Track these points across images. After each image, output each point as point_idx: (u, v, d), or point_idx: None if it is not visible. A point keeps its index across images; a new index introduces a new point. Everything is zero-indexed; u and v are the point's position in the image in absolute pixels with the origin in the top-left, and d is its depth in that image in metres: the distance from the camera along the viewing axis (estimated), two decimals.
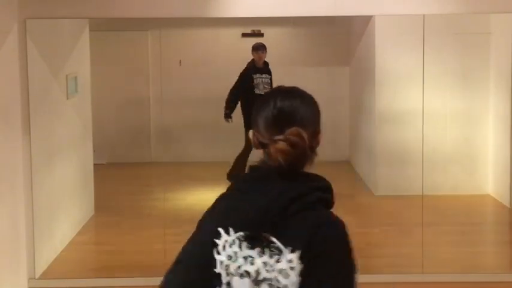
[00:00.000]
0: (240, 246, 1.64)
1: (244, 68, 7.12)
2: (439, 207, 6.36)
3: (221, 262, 1.67)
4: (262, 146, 1.67)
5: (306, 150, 1.63)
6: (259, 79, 7.07)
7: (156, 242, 5.60)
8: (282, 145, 1.60)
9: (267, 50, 7.26)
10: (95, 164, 6.71)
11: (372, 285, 4.77)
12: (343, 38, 7.88)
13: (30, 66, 4.99)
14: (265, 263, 1.60)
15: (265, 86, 7.09)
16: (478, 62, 7.05)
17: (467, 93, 7.10)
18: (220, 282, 1.67)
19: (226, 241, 1.66)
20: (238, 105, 7.20)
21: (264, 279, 1.61)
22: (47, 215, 5.39)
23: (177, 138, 7.77)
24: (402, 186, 6.57)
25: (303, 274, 1.56)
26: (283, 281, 1.58)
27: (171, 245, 5.53)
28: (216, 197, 1.81)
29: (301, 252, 1.56)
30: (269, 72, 7.11)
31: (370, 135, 7.32)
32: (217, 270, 1.67)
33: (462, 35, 6.90)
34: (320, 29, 7.55)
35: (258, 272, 1.61)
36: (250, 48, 7.22)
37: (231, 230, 1.66)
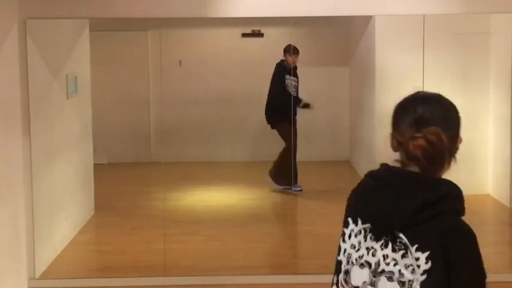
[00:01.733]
0: (364, 237, 1.72)
1: (274, 69, 7.09)
2: None
3: (344, 250, 1.76)
4: (400, 145, 1.72)
5: (443, 151, 1.68)
6: (289, 80, 7.06)
7: (156, 242, 5.61)
8: (421, 142, 1.66)
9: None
10: (95, 164, 6.71)
11: None
12: (343, 38, 7.88)
13: (30, 66, 5.00)
14: (385, 256, 1.67)
15: (294, 88, 7.08)
16: (478, 62, 7.05)
17: (467, 93, 7.09)
18: (339, 269, 1.79)
19: (352, 230, 1.74)
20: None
21: (383, 271, 1.67)
22: (47, 215, 5.39)
23: (177, 138, 7.77)
24: None
25: (428, 273, 1.62)
26: (408, 275, 1.64)
27: (171, 245, 5.54)
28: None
29: (430, 253, 1.62)
30: (296, 75, 7.12)
31: (370, 135, 7.32)
32: (340, 257, 1.79)
33: (462, 35, 6.90)
34: (320, 29, 7.55)
35: (378, 264, 1.68)
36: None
37: (359, 221, 1.73)
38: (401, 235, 1.65)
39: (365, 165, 7.50)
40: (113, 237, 6.14)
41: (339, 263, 1.79)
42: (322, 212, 7.11)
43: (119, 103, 7.89)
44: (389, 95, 7.10)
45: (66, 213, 5.95)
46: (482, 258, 1.69)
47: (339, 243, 1.80)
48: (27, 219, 5.03)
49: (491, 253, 5.57)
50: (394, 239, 1.66)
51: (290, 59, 7.03)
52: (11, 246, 4.79)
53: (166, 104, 7.69)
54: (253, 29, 7.71)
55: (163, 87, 7.43)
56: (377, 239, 1.69)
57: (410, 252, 1.63)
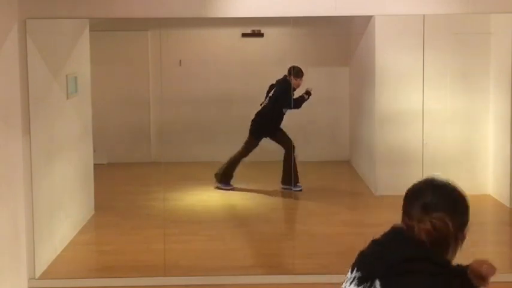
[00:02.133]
0: (351, 283, 1.82)
1: (281, 87, 7.07)
2: None
3: None
4: (408, 228, 1.82)
5: (448, 237, 1.77)
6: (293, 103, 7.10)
7: (156, 242, 5.61)
8: (427, 225, 1.76)
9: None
10: (95, 164, 6.71)
11: None
12: (343, 38, 7.88)
13: (30, 66, 5.00)
14: None
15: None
16: (478, 62, 7.05)
17: (467, 93, 7.09)
18: None
19: (349, 278, 1.85)
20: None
21: None
22: (47, 215, 5.39)
23: (177, 138, 7.77)
24: (402, 186, 6.54)
25: None
26: None
27: (171, 245, 5.54)
28: None
29: None
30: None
31: (370, 135, 7.32)
32: None
33: (462, 35, 6.90)
34: (320, 29, 7.55)
35: None
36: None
37: (355, 270, 1.85)
38: (377, 282, 1.75)
39: (365, 165, 7.50)
40: (113, 237, 6.14)
41: None
42: (322, 212, 7.11)
43: (119, 103, 7.89)
44: (389, 95, 7.10)
45: (66, 213, 5.94)
46: None
47: None
48: (27, 219, 5.03)
49: (491, 253, 5.57)
50: (371, 287, 1.76)
51: (295, 82, 6.98)
52: (11, 246, 4.79)
53: (166, 104, 7.69)
54: (253, 29, 7.71)
55: (163, 87, 7.43)
56: (358, 285, 1.79)
57: None
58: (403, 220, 1.85)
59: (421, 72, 5.59)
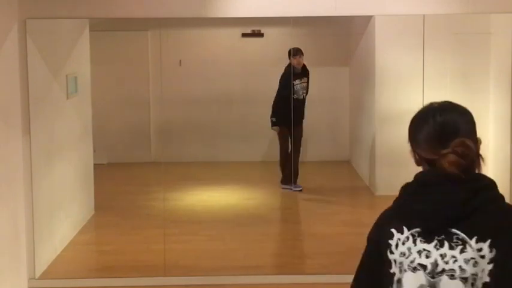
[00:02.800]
0: (414, 242, 1.70)
1: (282, 73, 7.08)
2: None
3: (395, 261, 1.72)
4: (426, 161, 1.74)
5: (474, 158, 1.69)
6: (298, 85, 7.06)
7: (156, 242, 5.60)
8: (452, 157, 1.66)
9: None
10: (95, 164, 6.71)
11: None
12: (343, 38, 7.88)
13: (30, 66, 5.00)
14: (442, 255, 1.66)
15: (303, 90, 7.09)
16: (478, 62, 7.05)
17: (467, 93, 7.09)
18: (391, 281, 1.74)
19: (398, 239, 1.72)
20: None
21: (443, 271, 1.66)
22: (47, 215, 5.39)
23: (177, 138, 7.77)
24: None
25: (494, 260, 1.63)
26: (470, 270, 1.64)
27: (171, 245, 5.54)
28: (382, 212, 1.87)
29: (491, 241, 1.63)
30: (306, 75, 7.12)
31: (370, 135, 7.32)
32: (392, 270, 1.74)
33: (462, 35, 6.90)
34: (320, 29, 7.55)
35: (435, 264, 1.66)
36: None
37: (405, 228, 1.72)
38: (456, 231, 1.66)
39: (365, 165, 7.50)
40: (113, 237, 6.14)
41: (392, 275, 1.74)
42: (322, 212, 7.11)
43: (119, 103, 7.89)
44: (389, 95, 7.11)
45: (66, 213, 5.94)
46: None
47: (384, 257, 1.76)
48: (27, 219, 5.03)
49: None
50: (450, 237, 1.66)
51: (294, 61, 7.02)
52: (11, 246, 4.79)
53: (166, 104, 7.69)
54: (253, 29, 7.71)
55: (163, 87, 7.43)
56: (429, 241, 1.69)
57: (470, 246, 1.64)
58: (415, 153, 1.78)
59: (421, 72, 5.59)
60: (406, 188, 1.79)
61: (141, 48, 7.81)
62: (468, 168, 1.68)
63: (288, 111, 6.81)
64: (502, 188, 6.41)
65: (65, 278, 5.19)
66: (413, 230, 1.70)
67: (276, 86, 7.09)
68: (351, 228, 6.29)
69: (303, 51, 7.09)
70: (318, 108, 7.55)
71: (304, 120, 7.18)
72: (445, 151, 1.67)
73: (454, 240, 1.66)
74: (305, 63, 7.18)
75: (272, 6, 5.02)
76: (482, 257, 1.63)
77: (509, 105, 6.60)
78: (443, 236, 1.67)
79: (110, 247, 5.93)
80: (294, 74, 7.02)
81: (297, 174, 7.01)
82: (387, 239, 1.74)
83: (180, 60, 7.85)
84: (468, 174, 1.68)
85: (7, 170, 4.74)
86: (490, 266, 1.63)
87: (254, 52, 7.84)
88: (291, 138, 7.08)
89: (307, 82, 7.15)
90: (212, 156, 7.80)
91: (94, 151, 6.75)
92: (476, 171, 1.72)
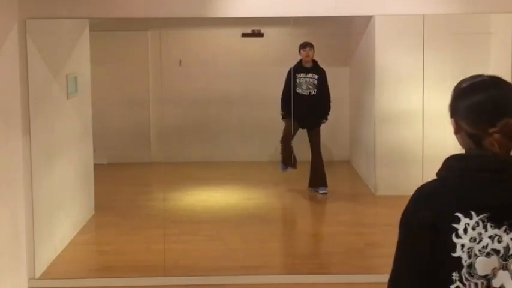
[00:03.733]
0: (484, 227, 1.71)
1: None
2: None
3: (462, 245, 1.72)
4: (467, 135, 1.75)
5: None
6: (302, 79, 6.99)
7: (156, 242, 5.61)
8: (498, 137, 1.66)
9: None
10: (95, 164, 6.71)
11: (372, 285, 4.78)
12: (343, 38, 7.88)
13: (30, 66, 5.00)
14: None
15: (310, 86, 7.02)
16: (478, 62, 7.04)
17: None
18: (460, 266, 1.73)
19: (467, 224, 1.72)
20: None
21: None
22: (47, 215, 5.39)
23: (177, 138, 7.77)
24: (402, 186, 6.54)
25: None
26: None
27: (171, 245, 5.54)
28: (418, 190, 1.85)
29: None
30: (317, 72, 7.02)
31: (370, 135, 7.32)
32: (457, 254, 1.73)
33: (462, 35, 6.90)
34: (320, 29, 7.55)
35: (507, 248, 1.71)
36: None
37: (473, 213, 1.72)
38: None
39: (365, 165, 7.50)
40: (113, 237, 6.14)
41: (457, 259, 1.73)
42: (322, 212, 7.12)
43: (119, 103, 7.89)
44: (389, 95, 7.11)
45: (66, 213, 5.94)
46: None
47: (448, 240, 1.74)
48: (27, 219, 5.03)
49: None
50: None
51: (304, 53, 6.94)
52: (11, 246, 4.79)
53: (166, 104, 7.69)
54: (253, 29, 7.71)
55: (163, 87, 7.43)
56: (499, 226, 1.71)
57: None
58: (458, 124, 1.79)
59: (421, 72, 5.59)
60: (456, 168, 1.77)
61: (141, 48, 7.81)
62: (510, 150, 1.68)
63: (289, 105, 6.79)
64: None
65: (65, 278, 5.19)
66: (482, 216, 1.71)
67: (276, 85, 7.09)
68: (351, 228, 6.29)
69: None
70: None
71: (323, 122, 7.11)
72: (492, 130, 1.67)
73: None
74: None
75: (272, 6, 5.02)
76: None
77: None
78: (511, 221, 1.71)
79: (110, 247, 5.93)
80: (301, 68, 6.98)
81: (321, 178, 7.02)
82: (451, 222, 1.73)
83: (180, 60, 7.85)
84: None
85: (7, 170, 4.74)
86: None
87: (254, 52, 7.84)
88: (295, 130, 7.00)
89: (318, 80, 7.02)
90: (212, 156, 7.80)
91: (94, 151, 6.74)
92: None
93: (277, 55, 7.37)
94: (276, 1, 5.03)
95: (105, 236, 6.26)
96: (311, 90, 7.01)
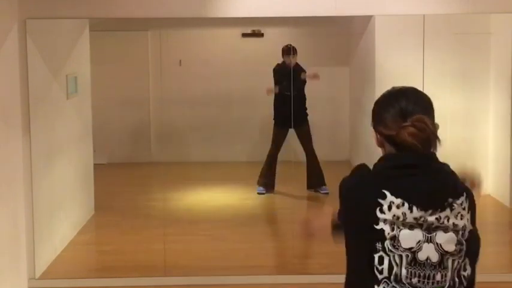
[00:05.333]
0: (410, 209, 1.86)
1: (274, 67, 7.03)
2: None
3: (384, 220, 1.87)
4: (387, 138, 1.97)
5: (430, 134, 1.89)
6: (287, 82, 6.99)
7: (156, 242, 5.61)
8: (411, 130, 1.88)
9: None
10: (95, 164, 6.71)
11: None
12: (343, 38, 7.88)
13: (30, 66, 5.00)
14: (438, 218, 1.87)
15: (295, 87, 7.02)
16: (478, 62, 7.05)
17: (467, 93, 7.09)
18: (381, 237, 1.87)
19: (392, 202, 1.87)
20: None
21: (438, 227, 1.87)
22: (47, 215, 5.39)
23: (177, 138, 7.78)
24: None
25: (469, 208, 1.94)
26: (460, 223, 1.90)
27: (171, 245, 5.54)
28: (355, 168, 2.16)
29: (465, 195, 1.93)
30: (300, 72, 6.99)
31: (370, 135, 7.31)
32: (379, 226, 1.88)
33: (462, 35, 6.89)
34: (320, 29, 7.55)
35: (431, 224, 1.87)
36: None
37: (398, 197, 1.87)
38: (450, 200, 1.89)
39: None
40: (113, 237, 6.14)
41: (380, 231, 1.87)
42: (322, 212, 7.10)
43: (119, 103, 7.89)
44: None
45: (66, 213, 5.95)
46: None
47: (371, 212, 1.88)
48: (27, 219, 5.03)
49: (491, 253, 5.57)
50: (442, 206, 1.88)
51: (287, 59, 6.96)
52: (11, 246, 4.79)
53: (166, 104, 7.69)
54: (253, 29, 7.71)
55: (163, 87, 7.43)
56: (425, 210, 1.86)
57: (456, 204, 1.89)
58: (378, 132, 2.02)
59: (421, 72, 5.59)
60: (382, 164, 2.03)
61: (141, 48, 7.81)
62: (426, 143, 1.89)
63: (277, 111, 6.87)
64: (502, 188, 6.45)
65: (65, 278, 5.19)
66: (407, 201, 1.86)
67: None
68: None
69: (301, 52, 7.05)
70: (318, 108, 7.55)
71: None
72: (405, 124, 1.89)
73: (445, 205, 1.87)
74: (304, 63, 7.14)
75: (272, 6, 5.02)
76: (464, 208, 1.90)
77: (509, 105, 6.61)
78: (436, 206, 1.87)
79: (110, 247, 5.93)
80: (282, 72, 6.95)
81: (319, 177, 7.03)
82: (377, 198, 1.89)
83: (180, 60, 7.85)
84: (427, 149, 1.89)
85: (7, 170, 4.74)
86: (469, 214, 1.91)
87: (254, 52, 7.84)
88: (281, 141, 7.05)
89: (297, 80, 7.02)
90: (212, 156, 7.80)
91: (94, 151, 6.75)
92: (432, 150, 1.93)
93: (277, 55, 7.36)
94: (276, 1, 5.03)
95: (105, 236, 6.26)
96: (290, 92, 7.03)
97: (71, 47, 6.16)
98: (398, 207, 1.86)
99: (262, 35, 7.70)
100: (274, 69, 7.08)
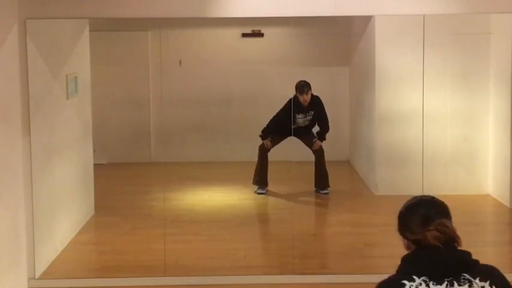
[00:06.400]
0: (427, 285, 2.05)
1: (287, 101, 6.91)
2: None
3: None
4: (414, 242, 2.16)
5: (452, 235, 2.10)
6: (300, 119, 7.00)
7: (156, 242, 5.61)
8: (435, 233, 2.09)
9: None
10: (95, 164, 6.71)
11: (371, 285, 4.77)
12: (343, 38, 7.88)
13: (30, 66, 4.99)
14: None
15: (306, 122, 7.04)
16: (478, 62, 7.05)
17: (467, 93, 7.10)
18: None
19: (411, 286, 2.06)
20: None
21: None
22: (47, 215, 5.39)
23: (177, 138, 7.77)
24: (402, 186, 6.57)
25: None
26: None
27: (171, 245, 5.54)
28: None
29: (490, 281, 2.06)
30: (312, 107, 6.98)
31: (370, 135, 7.32)
32: None
33: (462, 35, 6.90)
34: (320, 29, 7.55)
35: None
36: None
37: (415, 277, 2.06)
38: (462, 273, 2.05)
39: (365, 165, 7.50)
40: (113, 237, 6.14)
41: None
42: (321, 212, 7.12)
43: (119, 103, 7.89)
44: (389, 95, 7.11)
45: (66, 213, 5.95)
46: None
47: None
48: (27, 219, 5.03)
49: (491, 253, 5.57)
50: (457, 278, 2.05)
51: (301, 98, 6.89)
52: (11, 246, 4.79)
53: (166, 104, 7.69)
54: (253, 29, 7.71)
55: (163, 87, 7.44)
56: (440, 283, 2.04)
57: (476, 283, 2.04)
58: (405, 237, 2.20)
59: (421, 72, 5.59)
60: (405, 259, 2.17)
61: (141, 48, 7.81)
62: (448, 244, 2.08)
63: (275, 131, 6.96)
64: (502, 188, 6.45)
65: (65, 278, 5.19)
66: (423, 277, 2.05)
67: (276, 85, 7.09)
68: (351, 228, 6.29)
69: (301, 51, 7.04)
70: None
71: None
72: (430, 228, 2.10)
73: (462, 280, 2.04)
74: (304, 63, 7.14)
75: (272, 6, 5.02)
76: None
77: (509, 105, 6.61)
78: (451, 278, 2.04)
79: (110, 247, 5.93)
80: (299, 108, 6.92)
81: (323, 178, 7.05)
82: None
83: (180, 60, 7.85)
84: (448, 247, 2.08)
85: (7, 170, 4.74)
86: None
87: (254, 52, 7.84)
88: (279, 140, 7.09)
89: (314, 115, 7.03)
90: (212, 156, 7.80)
91: (94, 151, 6.75)
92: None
93: (277, 55, 7.37)
94: (276, 1, 5.03)
95: (105, 236, 6.26)
96: (307, 124, 7.04)
97: (71, 47, 6.16)
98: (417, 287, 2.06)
99: (262, 35, 7.70)
100: (288, 103, 6.92)
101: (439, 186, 6.65)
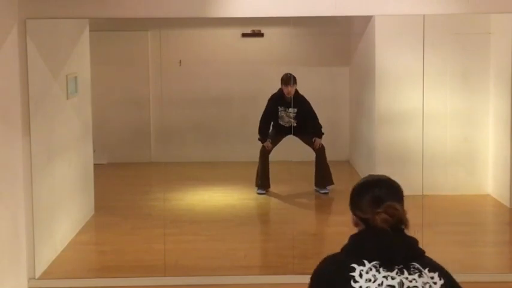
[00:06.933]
0: (377, 271, 2.04)
1: (271, 95, 7.06)
2: (439, 207, 6.36)
3: (360, 287, 2.04)
4: (362, 220, 2.20)
5: (401, 219, 2.10)
6: (283, 112, 7.03)
7: (156, 242, 5.61)
8: (383, 216, 2.09)
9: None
10: (95, 164, 6.71)
11: None
12: (343, 38, 7.88)
13: (30, 66, 5.00)
14: (405, 278, 2.03)
15: (290, 119, 7.05)
16: (478, 62, 7.05)
17: (467, 93, 7.10)
18: None
19: (361, 270, 2.06)
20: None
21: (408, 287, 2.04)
22: (47, 215, 5.39)
23: (177, 138, 7.77)
24: (402, 186, 6.57)
25: (444, 286, 2.06)
26: None
27: (171, 245, 5.54)
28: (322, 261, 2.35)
29: (439, 273, 2.06)
30: (296, 105, 6.99)
31: (370, 135, 7.32)
32: None
33: (462, 35, 6.90)
34: (320, 29, 7.55)
35: (401, 283, 2.02)
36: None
37: (366, 262, 2.06)
38: (412, 262, 2.05)
39: (365, 165, 7.50)
40: (113, 237, 6.14)
41: None
42: (322, 212, 7.11)
43: (119, 103, 7.89)
44: (389, 95, 7.11)
45: (66, 213, 5.95)
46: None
47: (346, 286, 2.06)
48: (27, 219, 5.03)
49: (491, 253, 5.57)
50: (407, 267, 2.04)
51: (285, 90, 6.95)
52: (11, 246, 4.79)
53: (166, 104, 7.69)
54: (253, 29, 7.71)
55: (163, 87, 7.44)
56: (390, 270, 2.03)
57: (425, 273, 2.04)
58: (354, 214, 2.25)
59: (421, 72, 5.59)
60: (353, 238, 2.22)
61: (141, 48, 7.81)
62: (396, 227, 2.07)
63: (267, 132, 7.05)
64: (502, 188, 6.43)
65: (65, 278, 5.19)
66: (374, 262, 2.05)
67: (276, 85, 7.09)
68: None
69: (301, 51, 7.05)
70: (318, 108, 7.55)
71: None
72: (379, 210, 2.10)
73: (412, 269, 2.03)
74: (304, 63, 7.14)
75: (272, 6, 5.03)
76: (435, 283, 2.03)
77: (509, 105, 6.61)
78: (401, 266, 2.03)
79: (110, 247, 5.93)
80: (281, 100, 7.00)
81: (324, 177, 7.06)
82: (348, 272, 2.08)
83: (180, 60, 7.85)
84: (397, 230, 2.08)
85: (7, 170, 4.74)
86: None
87: (254, 52, 7.85)
88: (279, 140, 7.11)
89: (297, 113, 7.02)
90: (212, 156, 7.80)
91: (94, 151, 6.75)
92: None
93: (277, 55, 7.37)
94: (276, 1, 5.03)
95: (105, 236, 6.26)
96: (292, 123, 7.03)
97: (71, 47, 6.16)
98: (367, 272, 2.05)
99: (262, 35, 7.70)
100: (270, 99, 7.08)
101: (439, 186, 6.65)
